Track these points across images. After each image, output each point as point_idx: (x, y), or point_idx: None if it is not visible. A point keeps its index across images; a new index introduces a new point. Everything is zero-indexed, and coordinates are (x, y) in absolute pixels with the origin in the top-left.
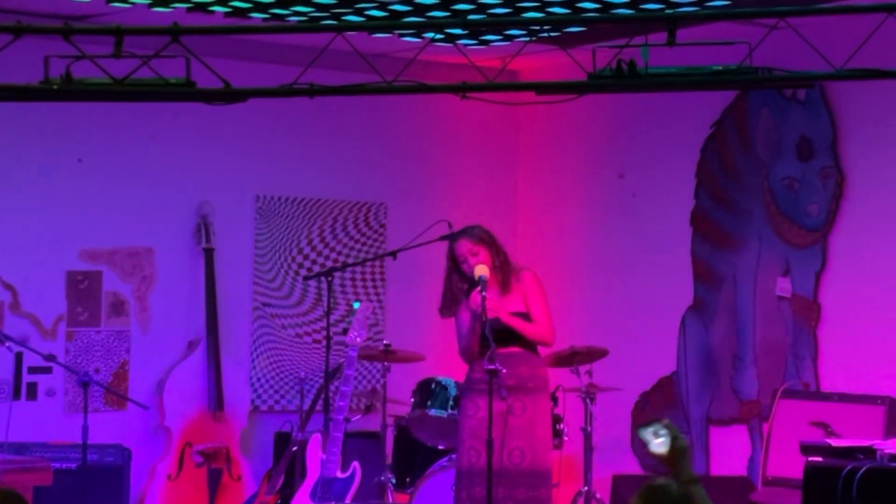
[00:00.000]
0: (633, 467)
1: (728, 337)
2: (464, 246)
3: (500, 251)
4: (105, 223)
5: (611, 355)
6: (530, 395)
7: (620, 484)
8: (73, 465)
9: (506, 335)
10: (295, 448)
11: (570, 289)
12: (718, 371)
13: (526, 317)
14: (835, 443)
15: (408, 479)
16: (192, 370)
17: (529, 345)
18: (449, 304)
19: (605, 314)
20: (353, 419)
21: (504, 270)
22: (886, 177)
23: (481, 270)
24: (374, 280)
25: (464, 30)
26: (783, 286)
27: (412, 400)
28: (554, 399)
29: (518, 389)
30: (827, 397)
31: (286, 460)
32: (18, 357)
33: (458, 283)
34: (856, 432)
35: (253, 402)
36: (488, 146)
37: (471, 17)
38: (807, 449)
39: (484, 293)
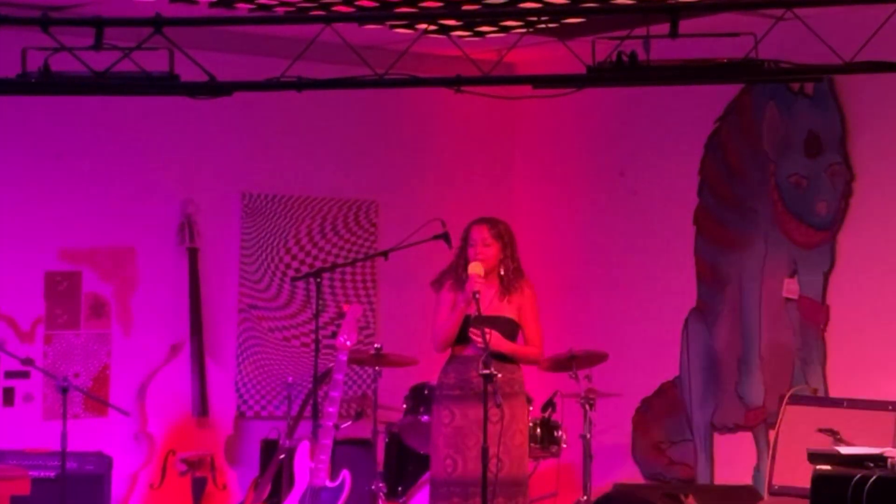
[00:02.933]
0: (633, 475)
1: (733, 340)
2: (481, 232)
3: (514, 256)
4: (85, 222)
5: (611, 359)
6: (507, 400)
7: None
8: (52, 474)
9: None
10: (282, 456)
11: (569, 290)
12: (723, 376)
13: (515, 325)
14: (844, 451)
15: (399, 489)
16: (175, 375)
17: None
18: (444, 281)
19: (604, 317)
20: (343, 426)
21: (511, 275)
22: None
23: (475, 269)
24: (364, 281)
25: (458, 21)
26: (790, 288)
27: (404, 406)
28: (552, 405)
29: (493, 394)
30: (836, 403)
31: (273, 469)
32: None
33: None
34: (866, 440)
35: (239, 407)
36: (483, 142)
37: (465, 7)
38: (815, 457)
39: (477, 294)
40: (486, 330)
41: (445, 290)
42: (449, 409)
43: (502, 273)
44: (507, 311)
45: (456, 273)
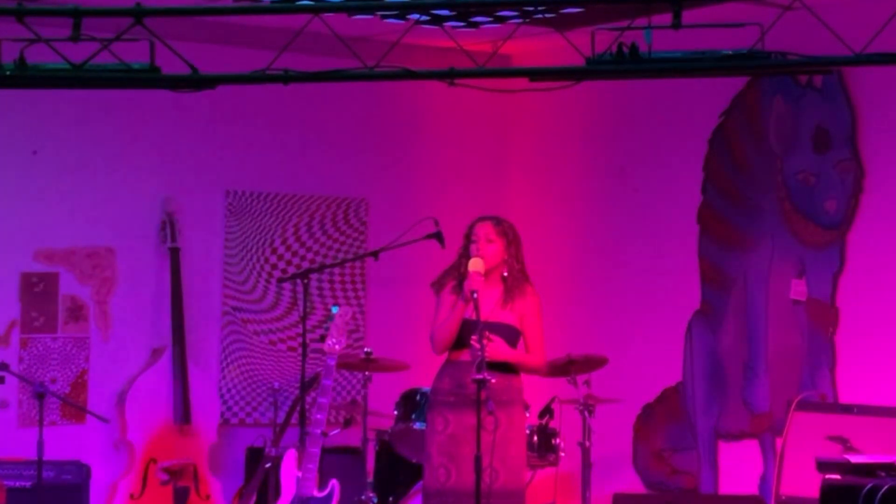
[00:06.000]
0: (634, 485)
1: (738, 344)
2: (484, 228)
3: (519, 258)
4: (62, 221)
5: (611, 364)
6: (503, 408)
7: (621, 503)
8: (28, 484)
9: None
10: (268, 465)
11: (567, 292)
12: (728, 381)
13: (516, 333)
14: (854, 459)
15: (390, 499)
16: (156, 380)
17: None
18: (446, 282)
19: (604, 319)
20: (332, 433)
21: (515, 278)
22: None
23: (476, 265)
24: (353, 282)
25: (451, 11)
26: (798, 289)
27: (395, 412)
28: (549, 411)
29: (486, 401)
30: (845, 410)
31: (259, 478)
32: None
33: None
34: (877, 448)
35: (222, 414)
36: (478, 137)
37: None
38: (824, 465)
39: (475, 294)
40: (492, 336)
41: (446, 292)
42: (443, 415)
43: (505, 275)
44: (509, 317)
45: (458, 273)
